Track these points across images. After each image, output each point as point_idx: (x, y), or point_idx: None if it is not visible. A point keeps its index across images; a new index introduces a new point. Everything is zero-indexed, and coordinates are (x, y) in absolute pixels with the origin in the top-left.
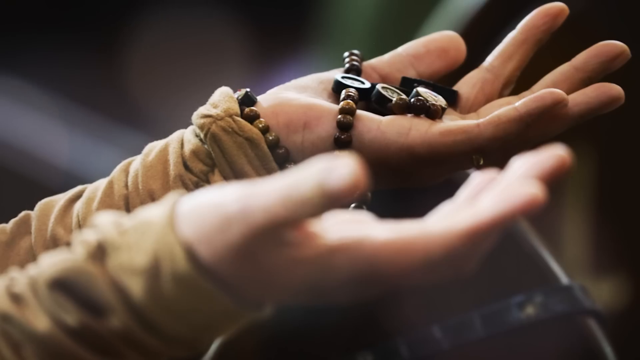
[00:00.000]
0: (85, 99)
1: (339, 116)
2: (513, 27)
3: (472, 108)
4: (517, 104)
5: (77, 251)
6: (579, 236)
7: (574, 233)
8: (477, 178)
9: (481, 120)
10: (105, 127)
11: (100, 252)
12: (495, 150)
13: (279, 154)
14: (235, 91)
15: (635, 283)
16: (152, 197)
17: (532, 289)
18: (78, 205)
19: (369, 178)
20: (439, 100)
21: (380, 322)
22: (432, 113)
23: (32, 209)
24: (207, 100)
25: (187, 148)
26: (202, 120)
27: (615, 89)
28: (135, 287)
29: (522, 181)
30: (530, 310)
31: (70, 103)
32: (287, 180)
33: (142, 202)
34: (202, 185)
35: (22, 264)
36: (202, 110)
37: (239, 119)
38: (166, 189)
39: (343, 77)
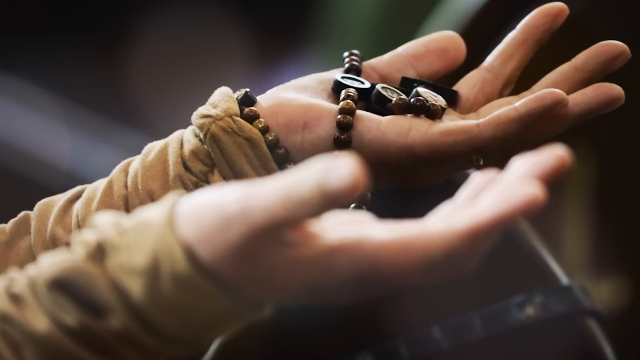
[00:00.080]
0: (85, 99)
1: (339, 116)
2: (513, 27)
3: (472, 108)
4: (517, 104)
5: (77, 251)
6: (579, 236)
7: (574, 233)
8: (477, 178)
9: (481, 120)
10: (105, 127)
11: (99, 253)
12: (495, 150)
13: (279, 154)
14: (234, 91)
15: (635, 283)
16: (151, 198)
17: (532, 289)
18: (77, 206)
19: (368, 178)
20: (439, 100)
21: (380, 323)
22: (432, 113)
23: (31, 209)
24: (206, 100)
25: (187, 148)
26: (201, 121)
27: (615, 89)
28: (135, 287)
29: (522, 181)
30: (530, 310)
31: (70, 103)
32: (286, 180)
33: (142, 202)
34: (201, 186)
35: (22, 264)
36: (202, 110)
37: (239, 119)
38: (166, 189)
39: (343, 77)
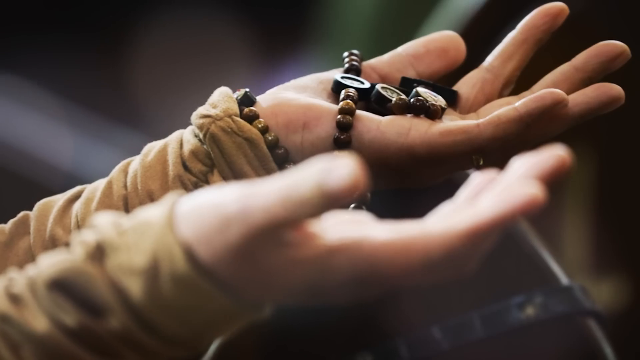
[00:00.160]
0: (85, 99)
1: (339, 116)
2: (513, 27)
3: (472, 108)
4: (517, 104)
5: (76, 252)
6: (579, 236)
7: (574, 233)
8: (477, 178)
9: (481, 120)
10: (105, 127)
11: (99, 253)
12: (495, 151)
13: (278, 154)
14: (234, 91)
15: (635, 283)
16: (151, 198)
17: (532, 289)
18: (77, 206)
19: (368, 178)
20: (439, 101)
21: (380, 323)
22: (432, 113)
23: (31, 209)
24: (206, 101)
25: (186, 148)
26: (201, 121)
27: (615, 89)
28: (134, 287)
29: (522, 181)
30: (530, 310)
31: (70, 103)
32: (286, 180)
33: (141, 203)
34: (201, 186)
35: (21, 265)
36: (201, 110)
37: (238, 119)
38: (165, 189)
39: (342, 77)
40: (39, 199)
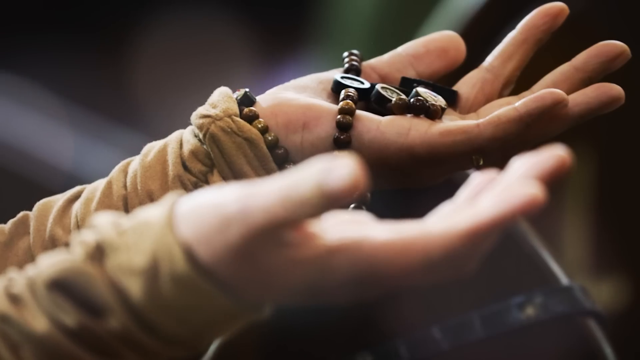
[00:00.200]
0: (85, 99)
1: (339, 116)
2: (513, 27)
3: (472, 108)
4: (517, 104)
5: (76, 252)
6: (579, 236)
7: (574, 233)
8: (477, 178)
9: (481, 120)
10: (105, 127)
11: (98, 253)
12: (495, 151)
13: (278, 155)
14: (234, 91)
15: (635, 284)
16: (150, 198)
17: (532, 289)
18: (77, 206)
19: (368, 178)
20: (439, 101)
21: (380, 323)
22: (432, 113)
23: (30, 209)
24: (206, 101)
25: (186, 148)
26: (201, 121)
27: (615, 89)
28: (134, 287)
29: (522, 181)
30: (530, 311)
31: (70, 103)
32: (286, 180)
33: (141, 203)
34: (201, 186)
35: (21, 265)
36: (201, 110)
37: (238, 119)
38: (165, 189)
39: (342, 77)
40: (38, 199)
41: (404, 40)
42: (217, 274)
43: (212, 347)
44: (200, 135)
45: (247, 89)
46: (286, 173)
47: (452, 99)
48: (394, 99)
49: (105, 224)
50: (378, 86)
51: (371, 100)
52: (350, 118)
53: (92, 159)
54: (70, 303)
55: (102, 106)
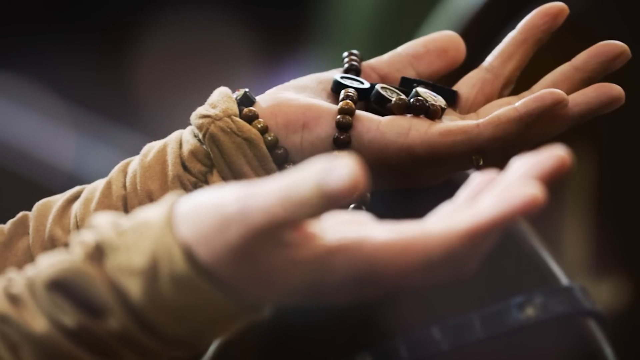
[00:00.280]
0: (85, 99)
1: (338, 116)
2: (513, 27)
3: (472, 108)
4: (517, 104)
5: (75, 252)
6: (579, 237)
7: (574, 234)
8: (477, 178)
9: (481, 120)
10: (105, 127)
11: (98, 253)
12: (495, 151)
13: (278, 155)
14: (233, 91)
15: (635, 284)
16: (150, 198)
17: (532, 290)
18: (76, 206)
19: (368, 178)
20: (439, 101)
21: (380, 323)
22: (432, 113)
23: (30, 209)
24: (205, 101)
25: (186, 148)
26: (200, 121)
27: (615, 89)
28: (134, 288)
29: (522, 182)
30: (530, 311)
31: (70, 103)
32: (286, 180)
33: (141, 203)
34: (200, 186)
35: (20, 265)
36: (201, 110)
37: (238, 119)
38: (164, 189)
39: (342, 77)
40: (38, 199)
41: (404, 40)
42: (217, 274)
43: (212, 347)
44: (200, 136)
45: (247, 89)
46: (286, 173)
47: (452, 99)
48: (393, 99)
49: (104, 224)
50: (378, 86)
51: (371, 101)
52: (350, 118)
53: (92, 159)
54: (69, 303)
55: (102, 106)
